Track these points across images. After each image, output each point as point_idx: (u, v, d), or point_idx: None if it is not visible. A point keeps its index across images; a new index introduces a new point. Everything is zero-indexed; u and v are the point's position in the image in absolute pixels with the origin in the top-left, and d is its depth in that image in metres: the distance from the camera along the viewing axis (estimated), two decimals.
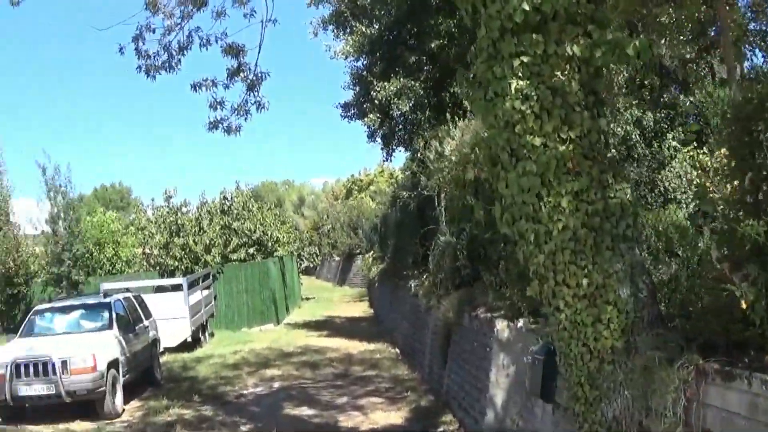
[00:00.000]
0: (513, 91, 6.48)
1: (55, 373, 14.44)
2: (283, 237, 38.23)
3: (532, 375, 8.64)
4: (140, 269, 35.15)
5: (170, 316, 24.27)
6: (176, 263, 32.35)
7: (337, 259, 66.13)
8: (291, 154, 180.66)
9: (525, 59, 6.49)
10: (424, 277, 18.35)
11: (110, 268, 37.13)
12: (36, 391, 14.58)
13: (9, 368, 14.60)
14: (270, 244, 35.89)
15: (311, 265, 59.54)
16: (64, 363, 14.54)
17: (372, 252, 37.59)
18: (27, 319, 17.97)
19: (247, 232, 34.48)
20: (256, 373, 19.38)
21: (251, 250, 34.42)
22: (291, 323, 32.28)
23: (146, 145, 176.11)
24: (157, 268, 33.31)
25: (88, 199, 68.06)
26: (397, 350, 21.72)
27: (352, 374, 18.60)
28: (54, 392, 14.53)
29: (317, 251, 56.67)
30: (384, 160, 34.30)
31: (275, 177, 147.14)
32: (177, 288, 26.78)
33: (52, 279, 33.30)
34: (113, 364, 15.46)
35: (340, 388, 17.01)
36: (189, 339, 24.85)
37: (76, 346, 15.14)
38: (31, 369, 14.61)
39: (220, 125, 13.47)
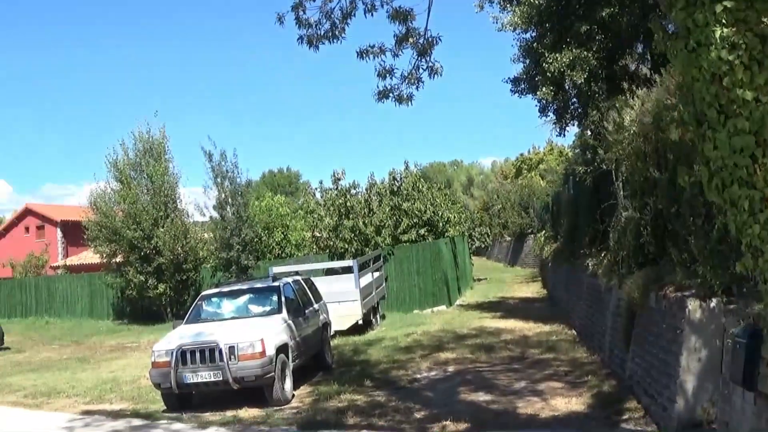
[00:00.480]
0: (718, 40, 5.60)
1: (222, 359, 14.09)
2: (454, 217, 37.56)
3: (731, 360, 7.73)
4: (310, 252, 35.09)
5: (341, 299, 24.07)
6: (346, 245, 32.15)
7: (508, 239, 65.49)
8: (458, 133, 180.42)
9: (728, 4, 5.60)
10: (603, 255, 17.32)
11: (279, 252, 37.32)
12: (202, 378, 14.27)
13: (175, 355, 14.36)
14: (441, 225, 35.33)
15: (482, 246, 58.79)
16: (231, 349, 14.18)
17: (543, 231, 36.72)
18: (194, 304, 17.88)
19: (417, 212, 33.99)
20: (429, 357, 18.63)
21: (422, 231, 33.92)
22: (463, 304, 31.57)
23: (313, 129, 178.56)
24: (327, 251, 33.15)
25: (256, 185, 69.12)
26: (574, 332, 20.64)
27: (529, 357, 17.65)
28: (221, 379, 14.18)
29: (488, 231, 55.74)
30: (558, 135, 33.03)
31: (443, 158, 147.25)
32: (347, 270, 26.57)
33: (221, 264, 33.73)
34: (282, 349, 15.03)
35: (517, 371, 16.10)
36: (360, 322, 24.51)
37: (244, 332, 14.80)
38: (198, 355, 14.31)
39: (390, 94, 12.74)
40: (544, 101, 23.38)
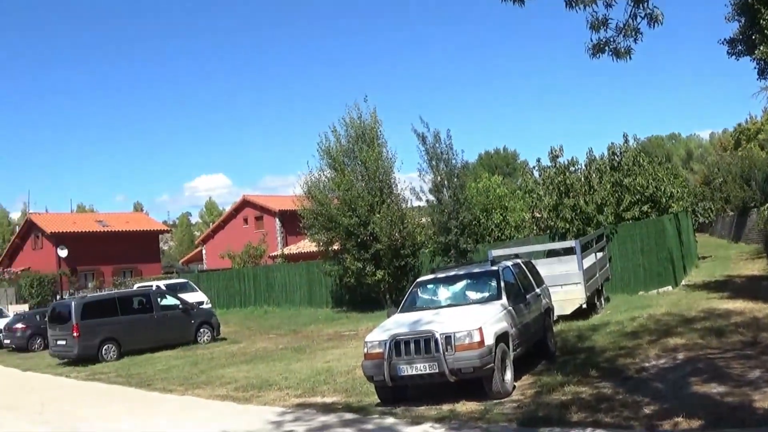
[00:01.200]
0: None
1: (438, 349, 13.20)
2: (677, 192, 35.63)
3: None
4: (530, 234, 34.05)
5: (563, 282, 23.09)
6: (567, 225, 31.01)
7: (730, 213, 62.50)
8: (674, 105, 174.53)
9: None
10: None
11: (499, 235, 36.40)
12: (417, 369, 13.43)
13: (388, 346, 13.64)
14: (663, 200, 33.54)
15: (705, 222, 56.16)
16: (447, 339, 13.28)
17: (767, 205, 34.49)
18: (409, 291, 17.10)
19: (639, 188, 32.44)
20: (657, 343, 17.17)
21: (645, 208, 32.36)
22: (689, 284, 29.67)
23: (529, 107, 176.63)
24: (547, 231, 32.05)
25: (473, 167, 68.43)
26: None
27: (762, 342, 15.97)
28: (437, 371, 13.29)
29: (711, 206, 53.19)
30: None
31: (660, 131, 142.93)
32: (569, 252, 25.46)
33: (440, 248, 33.09)
34: (502, 338, 14.04)
35: (750, 359, 14.47)
36: (583, 305, 23.31)
37: (461, 320, 13.85)
38: (412, 346, 13.50)
39: (606, 48, 11.59)
40: (763, 61, 21.52)
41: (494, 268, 16.43)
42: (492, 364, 13.34)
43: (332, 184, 35.85)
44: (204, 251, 77.99)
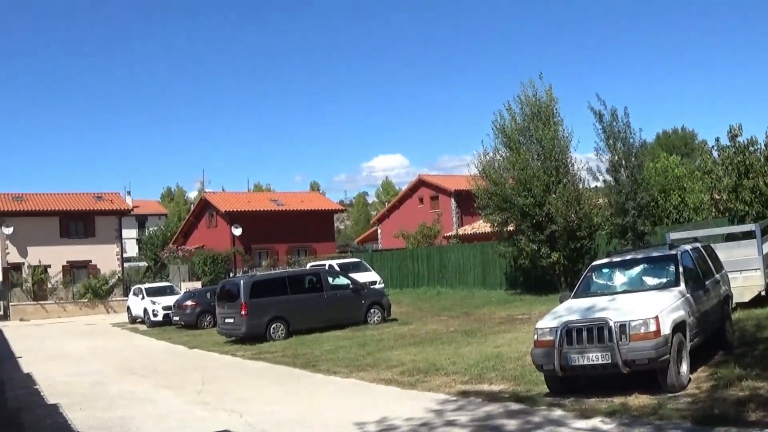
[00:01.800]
0: None
1: (611, 339, 12.79)
2: None
3: None
4: (708, 216, 32.93)
5: (741, 268, 22.12)
6: (746, 208, 29.83)
7: None
8: None
9: None
10: None
11: (677, 217, 35.34)
12: (589, 360, 13.01)
13: (560, 333, 13.31)
14: None
15: None
16: (622, 327, 12.86)
17: None
18: (583, 275, 16.72)
19: None
20: None
21: None
22: None
23: (710, 84, 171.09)
24: (726, 214, 30.93)
25: (650, 147, 66.76)
26: None
27: None
28: (609, 361, 12.83)
29: None
30: None
31: None
32: (748, 236, 24.40)
33: (617, 230, 32.43)
34: (679, 327, 13.49)
35: None
36: (763, 293, 22.26)
37: (637, 307, 13.40)
38: (585, 334, 13.12)
39: None
40: None
41: (672, 252, 15.92)
42: (668, 356, 12.86)
43: (507, 163, 35.51)
44: (379, 231, 78.66)
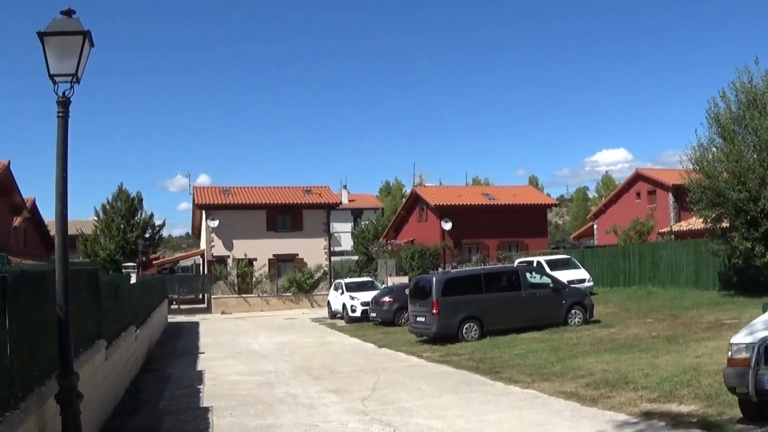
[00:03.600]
0: None
1: None
2: None
3: None
4: None
5: None
6: None
7: None
8: None
9: None
10: None
11: None
12: None
13: (756, 351, 11.17)
14: None
15: None
16: None
17: None
18: None
19: None
20: None
21: None
22: None
23: None
24: None
25: None
26: None
27: None
28: None
29: None
30: None
31: None
32: None
33: None
34: None
35: None
36: None
37: None
38: None
39: None
40: None
41: None
42: None
43: (721, 155, 32.81)
44: (595, 226, 76.15)
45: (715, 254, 34.67)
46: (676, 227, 54.79)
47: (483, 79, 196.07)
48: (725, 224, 33.50)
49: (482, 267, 38.87)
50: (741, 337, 11.83)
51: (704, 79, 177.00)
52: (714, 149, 33.51)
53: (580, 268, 43.98)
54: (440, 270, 50.90)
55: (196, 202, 62.95)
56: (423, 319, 28.53)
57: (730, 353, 11.75)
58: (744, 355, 11.36)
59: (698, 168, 33.65)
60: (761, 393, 11.08)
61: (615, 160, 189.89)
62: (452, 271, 35.12)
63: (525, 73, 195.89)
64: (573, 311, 29.71)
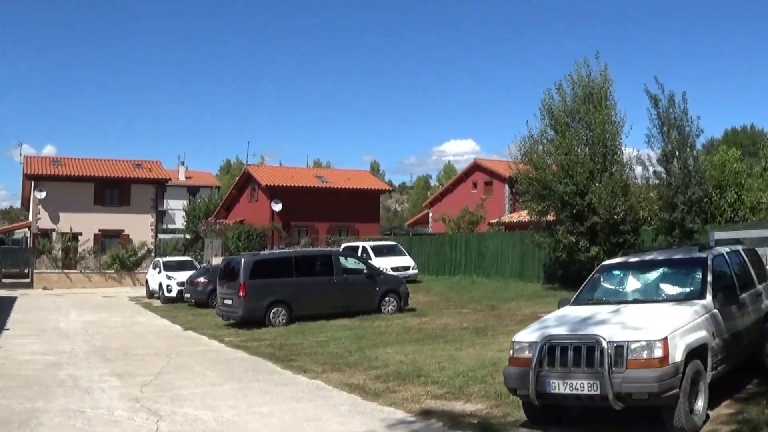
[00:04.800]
0: None
1: (603, 363, 9.77)
2: None
3: None
4: (766, 217, 29.59)
5: None
6: None
7: None
8: None
9: None
10: None
11: (731, 215, 31.91)
12: (573, 388, 9.98)
13: (539, 350, 10.36)
14: None
15: None
16: (618, 349, 9.83)
17: None
18: (589, 277, 13.56)
19: None
20: None
21: None
22: None
23: None
24: None
25: (716, 143, 63.16)
26: None
27: None
28: (598, 393, 9.80)
29: None
30: None
31: None
32: None
33: (664, 226, 29.23)
34: (697, 353, 10.45)
35: None
36: None
37: (642, 324, 10.34)
38: (570, 354, 10.11)
39: None
40: None
41: (702, 255, 12.67)
42: (676, 390, 9.82)
43: (551, 147, 32.41)
44: (430, 214, 75.90)
45: (540, 247, 34.43)
46: (506, 218, 55.04)
47: (336, 65, 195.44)
48: (551, 217, 33.14)
49: (295, 250, 37.68)
50: (525, 335, 11.09)
51: (553, 75, 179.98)
52: (545, 141, 33.05)
53: (405, 255, 43.53)
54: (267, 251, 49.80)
55: (26, 172, 59.87)
56: (230, 302, 27.31)
57: (511, 352, 11.00)
58: (526, 354, 10.64)
59: (527, 159, 33.15)
60: (543, 396, 10.36)
61: (462, 151, 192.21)
62: (262, 252, 33.72)
63: (377, 60, 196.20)
64: (387, 299, 28.85)
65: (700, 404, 10.48)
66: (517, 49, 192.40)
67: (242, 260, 27.72)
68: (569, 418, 11.24)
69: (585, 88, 32.42)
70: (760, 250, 18.70)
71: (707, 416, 10.73)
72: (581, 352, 10.06)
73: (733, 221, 30.99)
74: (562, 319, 11.45)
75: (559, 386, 10.12)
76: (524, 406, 11.13)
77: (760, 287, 13.86)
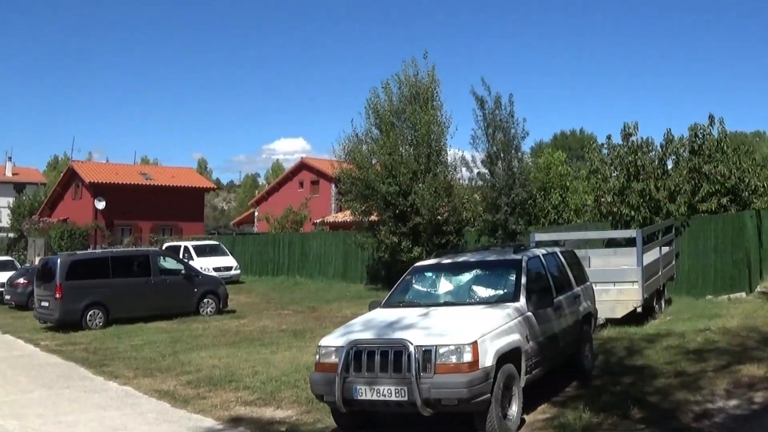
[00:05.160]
0: None
1: (410, 368, 9.29)
2: (762, 186, 30.87)
3: None
4: (590, 219, 29.99)
5: (617, 279, 19.26)
6: (632, 212, 26.86)
7: None
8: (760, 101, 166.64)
9: None
10: None
11: (555, 217, 32.27)
12: (380, 394, 9.49)
13: (344, 355, 9.82)
14: (746, 194, 29.05)
15: None
16: (426, 353, 9.39)
17: None
18: (401, 279, 13.07)
19: (720, 177, 27.82)
20: (727, 371, 12.94)
21: (724, 200, 27.76)
22: (766, 292, 25.56)
23: (605, 88, 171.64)
24: (610, 218, 27.92)
25: (546, 146, 64.40)
26: None
27: None
28: (406, 399, 9.35)
29: None
30: None
31: (744, 127, 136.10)
32: (631, 243, 21.46)
33: (487, 228, 29.33)
34: (510, 357, 10.08)
35: None
36: (639, 309, 19.28)
37: (451, 328, 9.93)
38: (377, 359, 9.60)
39: None
40: None
41: (516, 257, 12.28)
42: (487, 395, 9.44)
43: (375, 147, 32.15)
44: (256, 213, 74.94)
45: (363, 247, 34.26)
46: (331, 218, 54.77)
47: (166, 60, 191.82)
48: (374, 217, 32.96)
49: (114, 250, 36.48)
50: (331, 339, 10.57)
51: (386, 74, 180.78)
52: (369, 141, 32.77)
53: (228, 255, 42.90)
54: (87, 251, 48.07)
55: None
56: (47, 304, 26.01)
57: (318, 357, 10.46)
58: (333, 359, 10.13)
59: (351, 159, 32.84)
60: (350, 403, 9.87)
61: (293, 149, 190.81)
62: (79, 252, 32.32)
63: (208, 56, 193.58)
64: (206, 300, 28.05)
65: (514, 409, 10.16)
66: (349, 47, 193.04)
67: (58, 261, 26.43)
68: (381, 424, 10.83)
69: (412, 88, 32.43)
70: (582, 252, 18.80)
71: (523, 421, 10.45)
72: (388, 357, 9.57)
73: (557, 223, 31.35)
74: (369, 323, 10.95)
75: (366, 392, 9.61)
76: (333, 413, 10.59)
77: (578, 289, 13.70)
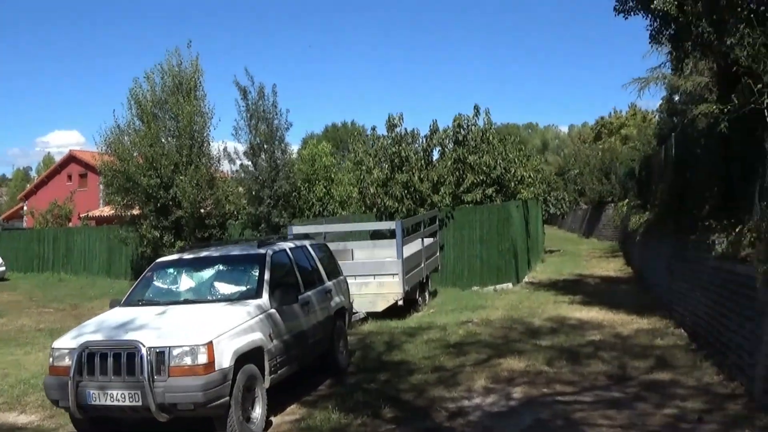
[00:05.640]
0: None
1: (142, 372, 8.68)
2: (528, 176, 31.57)
3: None
4: (356, 211, 29.83)
5: (377, 272, 19.05)
6: (396, 204, 26.77)
7: (584, 207, 59.96)
8: (535, 95, 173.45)
9: None
10: (742, 231, 11.47)
11: (321, 210, 31.98)
12: (113, 398, 8.87)
13: (76, 357, 9.06)
14: (512, 185, 29.62)
15: (557, 213, 52.87)
16: (159, 355, 8.81)
17: (627, 200, 31.55)
18: (142, 276, 12.36)
19: (485, 168, 28.25)
20: (487, 365, 12.83)
21: (489, 191, 28.28)
22: (533, 282, 26.20)
23: (374, 81, 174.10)
24: (374, 209, 27.80)
25: (317, 139, 64.47)
26: (683, 331, 14.86)
27: (633, 377, 11.62)
28: (140, 403, 8.76)
29: (564, 197, 49.83)
30: (673, 70, 25.91)
31: (516, 120, 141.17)
32: (394, 235, 21.03)
33: (251, 221, 28.74)
34: (251, 357, 9.63)
35: (620, 407, 9.97)
36: (400, 302, 19.09)
37: (185, 328, 9.36)
38: (109, 362, 8.93)
39: None
40: (660, 18, 16.85)
41: (260, 251, 11.82)
42: (226, 398, 8.95)
43: (137, 138, 30.92)
44: (25, 208, 72.10)
45: (125, 242, 33.14)
46: (97, 212, 53.33)
47: None
48: (136, 211, 32.02)
49: None
50: (64, 341, 9.76)
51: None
52: (131, 132, 31.53)
53: None
54: None
55: None
56: None
57: (51, 359, 9.61)
58: (66, 362, 9.36)
59: (112, 151, 31.50)
60: (85, 408, 9.20)
61: (67, 142, 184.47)
62: None
63: None
64: None
65: (258, 411, 9.74)
66: (124, 38, 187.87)
67: None
68: (126, 428, 10.08)
69: (175, 78, 31.50)
70: (345, 245, 18.44)
71: (269, 423, 10.06)
72: (121, 359, 8.94)
73: (323, 215, 31.08)
74: (103, 323, 10.17)
75: (99, 397, 8.97)
76: (72, 418, 9.80)
77: (329, 284, 13.36)
